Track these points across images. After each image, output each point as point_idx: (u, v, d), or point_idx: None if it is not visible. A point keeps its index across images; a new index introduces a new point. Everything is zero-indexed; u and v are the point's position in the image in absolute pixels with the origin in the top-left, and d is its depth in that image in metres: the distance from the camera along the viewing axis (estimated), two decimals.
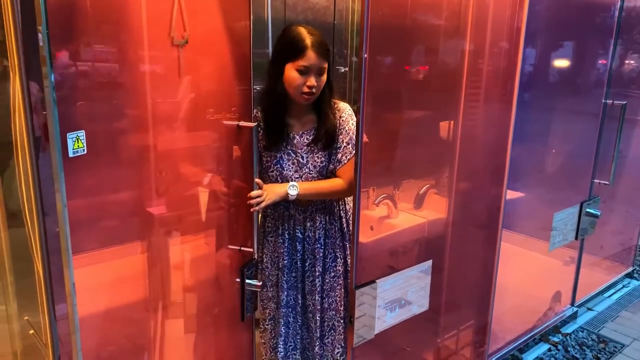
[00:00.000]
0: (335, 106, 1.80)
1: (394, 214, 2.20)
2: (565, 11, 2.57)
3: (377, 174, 2.10)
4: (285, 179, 1.81)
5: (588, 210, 2.88)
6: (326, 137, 1.76)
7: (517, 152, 2.32)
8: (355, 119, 1.75)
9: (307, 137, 1.79)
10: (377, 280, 1.65)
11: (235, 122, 1.61)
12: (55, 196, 1.09)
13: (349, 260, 1.95)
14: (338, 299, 1.95)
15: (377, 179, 2.11)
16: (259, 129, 1.75)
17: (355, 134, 1.73)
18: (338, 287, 1.95)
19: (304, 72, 1.63)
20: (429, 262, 1.85)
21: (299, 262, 1.93)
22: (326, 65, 1.66)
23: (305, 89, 1.65)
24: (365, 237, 2.11)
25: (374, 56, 1.57)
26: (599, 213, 2.91)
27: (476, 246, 2.44)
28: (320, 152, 1.79)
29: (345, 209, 1.97)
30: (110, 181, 1.37)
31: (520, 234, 2.80)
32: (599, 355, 2.80)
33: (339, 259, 1.94)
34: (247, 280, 1.71)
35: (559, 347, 2.87)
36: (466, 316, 2.52)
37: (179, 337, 1.81)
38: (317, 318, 1.96)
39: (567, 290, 3.15)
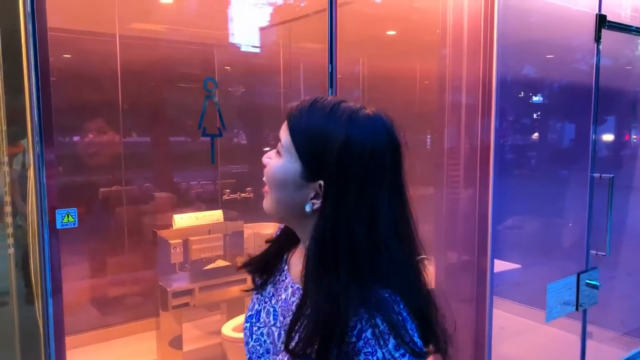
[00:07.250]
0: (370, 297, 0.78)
1: None
2: (544, 91, 2.78)
3: None
4: (253, 355, 0.93)
5: (587, 281, 2.91)
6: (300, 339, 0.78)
7: (510, 224, 2.45)
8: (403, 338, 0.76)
9: (293, 298, 0.89)
10: None
11: None
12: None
13: None
14: None
15: None
16: None
17: None
18: None
19: None
20: None
21: None
22: None
23: None
24: None
25: None
26: (598, 284, 2.93)
27: (467, 316, 2.50)
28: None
29: None
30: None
31: (521, 304, 2.84)
32: None
33: None
34: None
35: None
36: None
37: None
38: None
39: None
